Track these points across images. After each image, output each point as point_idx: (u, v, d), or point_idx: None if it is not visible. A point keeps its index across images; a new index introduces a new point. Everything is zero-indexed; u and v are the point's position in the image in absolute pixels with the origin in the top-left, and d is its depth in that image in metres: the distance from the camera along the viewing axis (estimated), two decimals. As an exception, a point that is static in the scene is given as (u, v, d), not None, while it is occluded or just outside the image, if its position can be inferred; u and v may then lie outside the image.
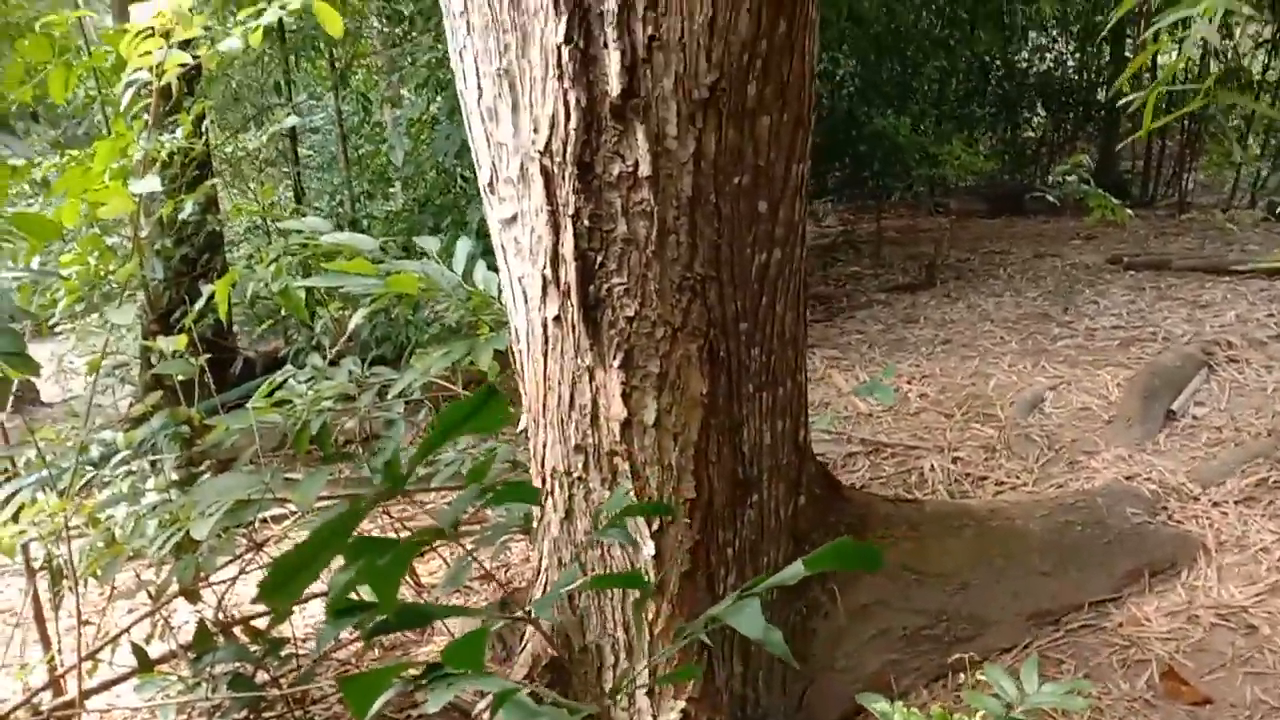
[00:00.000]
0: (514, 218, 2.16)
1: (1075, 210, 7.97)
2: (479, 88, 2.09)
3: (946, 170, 6.37)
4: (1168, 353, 4.50)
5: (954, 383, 4.58)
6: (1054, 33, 10.22)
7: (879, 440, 4.02)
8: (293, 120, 4.82)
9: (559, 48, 1.88)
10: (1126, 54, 9.21)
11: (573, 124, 1.90)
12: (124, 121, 2.49)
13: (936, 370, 4.81)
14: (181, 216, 3.00)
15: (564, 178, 1.93)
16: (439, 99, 4.69)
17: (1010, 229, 8.49)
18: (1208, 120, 8.31)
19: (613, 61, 1.85)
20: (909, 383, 4.69)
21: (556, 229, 1.98)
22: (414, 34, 5.01)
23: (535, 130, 1.98)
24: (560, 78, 1.90)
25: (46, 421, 5.27)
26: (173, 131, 2.99)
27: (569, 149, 1.90)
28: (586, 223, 1.94)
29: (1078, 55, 10.25)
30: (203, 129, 3.36)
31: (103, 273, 2.62)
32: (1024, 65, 10.07)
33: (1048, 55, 10.39)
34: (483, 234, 2.59)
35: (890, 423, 4.24)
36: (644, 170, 1.89)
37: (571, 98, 1.89)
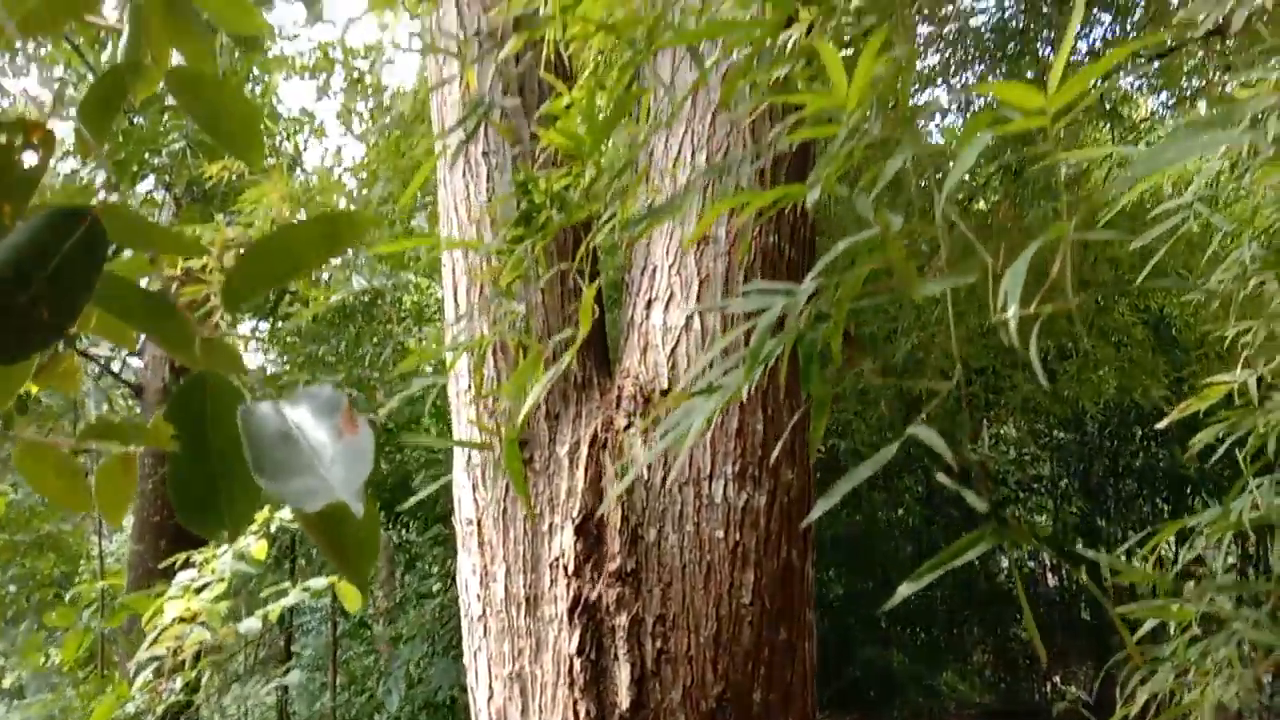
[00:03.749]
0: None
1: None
2: (490, 689, 2.14)
3: (945, 700, 6.25)
4: None
5: None
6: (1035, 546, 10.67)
7: None
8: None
9: (571, 658, 1.97)
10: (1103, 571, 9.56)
11: (581, 734, 1.92)
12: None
13: None
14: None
15: (571, 792, 1.90)
16: (440, 634, 4.79)
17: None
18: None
19: (623, 674, 1.93)
20: None
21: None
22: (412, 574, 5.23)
23: (543, 736, 1.99)
24: (571, 686, 1.96)
25: None
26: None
27: (577, 763, 1.90)
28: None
29: (1058, 569, 10.62)
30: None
31: None
32: (1006, 575, 10.37)
33: (1029, 564, 10.74)
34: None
35: None
36: (653, 788, 1.87)
37: (581, 708, 1.93)
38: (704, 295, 2.18)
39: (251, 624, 2.50)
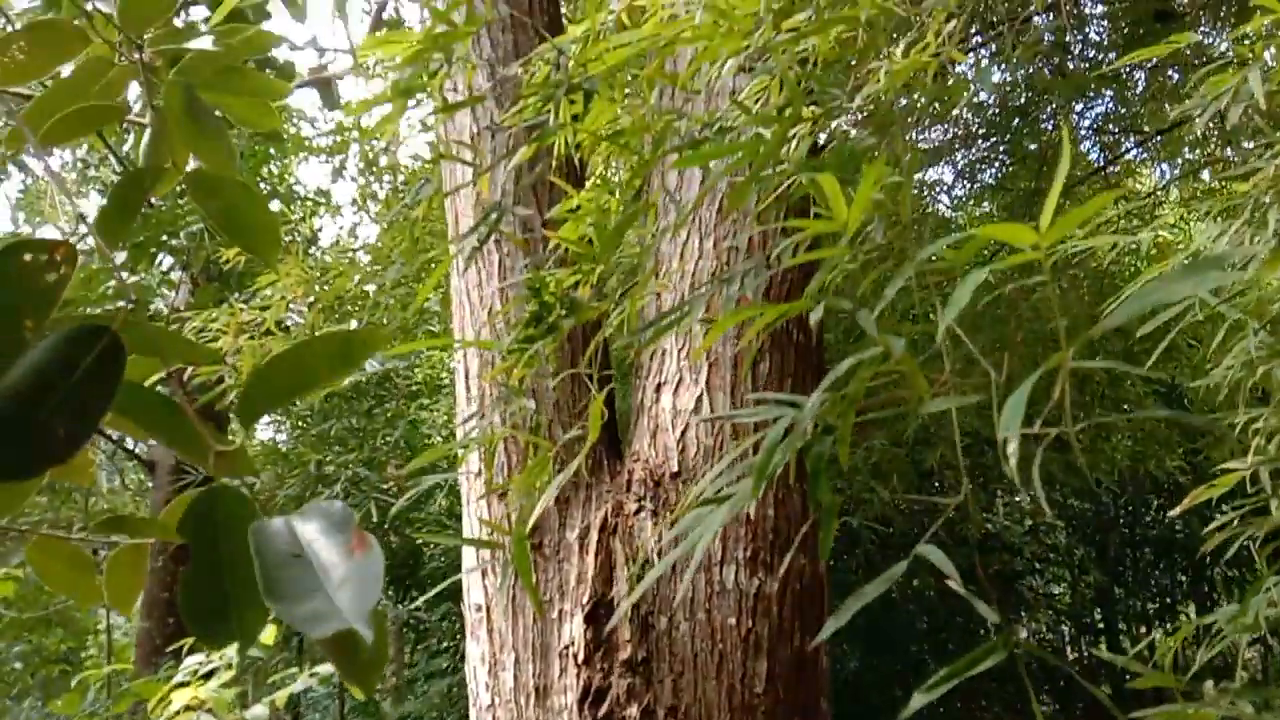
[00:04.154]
0: None
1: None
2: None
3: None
4: None
5: None
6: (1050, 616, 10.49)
7: None
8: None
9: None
10: (1123, 643, 9.37)
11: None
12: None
13: None
14: None
15: None
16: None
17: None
18: None
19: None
20: None
21: None
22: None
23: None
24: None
25: None
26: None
27: None
28: None
29: (1076, 642, 10.40)
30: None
31: None
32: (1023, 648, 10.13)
33: (1049, 635, 10.53)
34: None
35: None
36: None
37: (592, 803, 1.89)
38: (713, 379, 2.19)
39: (258, 712, 2.47)
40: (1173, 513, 1.76)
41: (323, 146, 6.92)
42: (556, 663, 2.05)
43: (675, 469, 2.14)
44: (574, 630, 2.04)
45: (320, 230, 6.29)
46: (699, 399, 2.18)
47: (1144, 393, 6.46)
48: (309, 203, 6.27)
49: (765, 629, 2.04)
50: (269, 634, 2.51)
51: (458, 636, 5.40)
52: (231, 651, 2.41)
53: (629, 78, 1.32)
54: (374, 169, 5.82)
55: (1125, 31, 6.71)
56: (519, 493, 1.48)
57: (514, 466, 2.08)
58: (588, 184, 1.33)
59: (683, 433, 2.17)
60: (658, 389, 2.25)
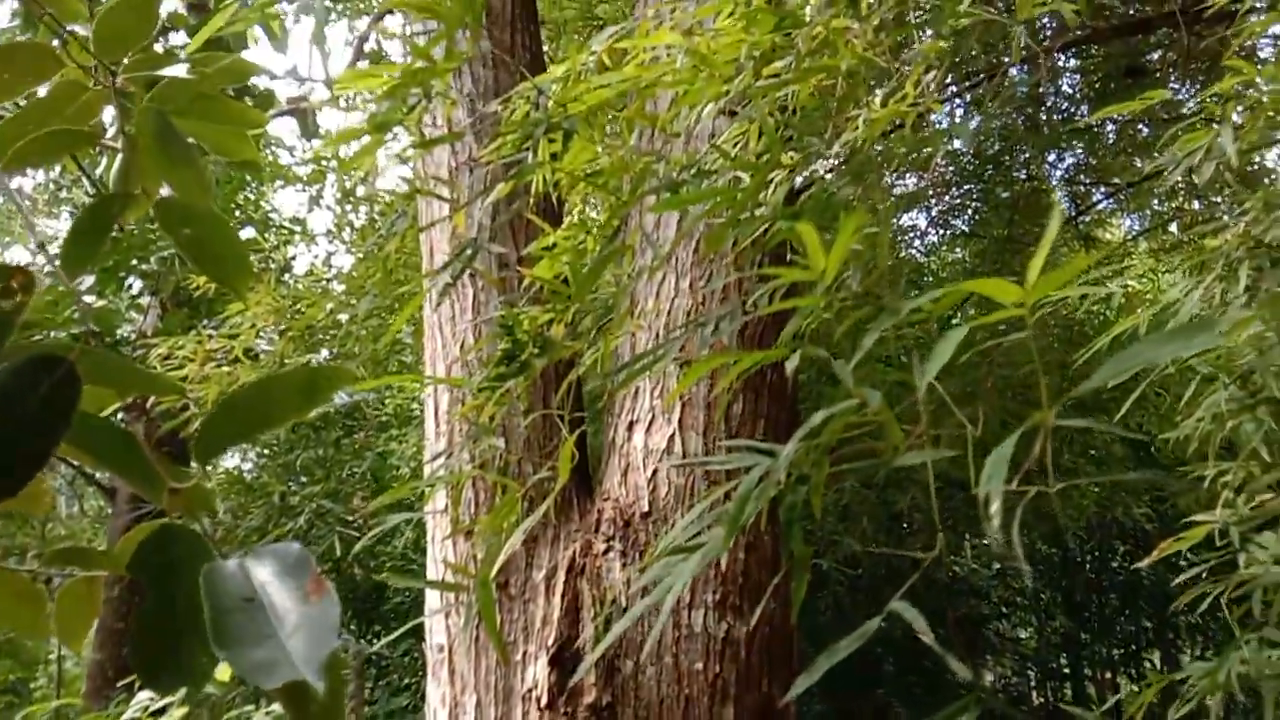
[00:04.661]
0: None
1: None
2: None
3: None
4: None
5: None
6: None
7: None
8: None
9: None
10: (1087, 689, 9.36)
11: None
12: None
13: None
14: None
15: None
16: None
17: None
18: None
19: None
20: None
21: None
22: None
23: None
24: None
25: None
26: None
27: None
28: None
29: (1041, 686, 10.39)
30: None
31: None
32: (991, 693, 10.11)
33: (1014, 679, 10.50)
34: None
35: None
36: None
37: None
38: (686, 419, 2.18)
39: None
40: (1141, 564, 1.75)
41: (299, 175, 6.90)
42: (519, 706, 2.01)
43: (646, 509, 2.12)
44: (538, 673, 2.00)
45: (294, 259, 6.24)
46: (671, 438, 2.17)
47: (1112, 440, 6.52)
48: (284, 230, 6.22)
49: (733, 674, 2.01)
50: (224, 671, 2.43)
51: (420, 674, 5.30)
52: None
53: (609, 118, 1.32)
54: (350, 199, 5.81)
55: (1097, 86, 6.86)
56: (486, 533, 1.45)
57: (481, 506, 2.04)
58: (565, 222, 1.32)
59: (654, 472, 2.15)
60: (630, 427, 2.23)
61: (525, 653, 2.05)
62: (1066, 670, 9.96)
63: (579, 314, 1.28)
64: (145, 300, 5.39)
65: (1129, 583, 8.45)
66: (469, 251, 1.20)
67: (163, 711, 2.41)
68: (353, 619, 6.07)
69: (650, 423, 2.21)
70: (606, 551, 2.10)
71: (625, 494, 2.16)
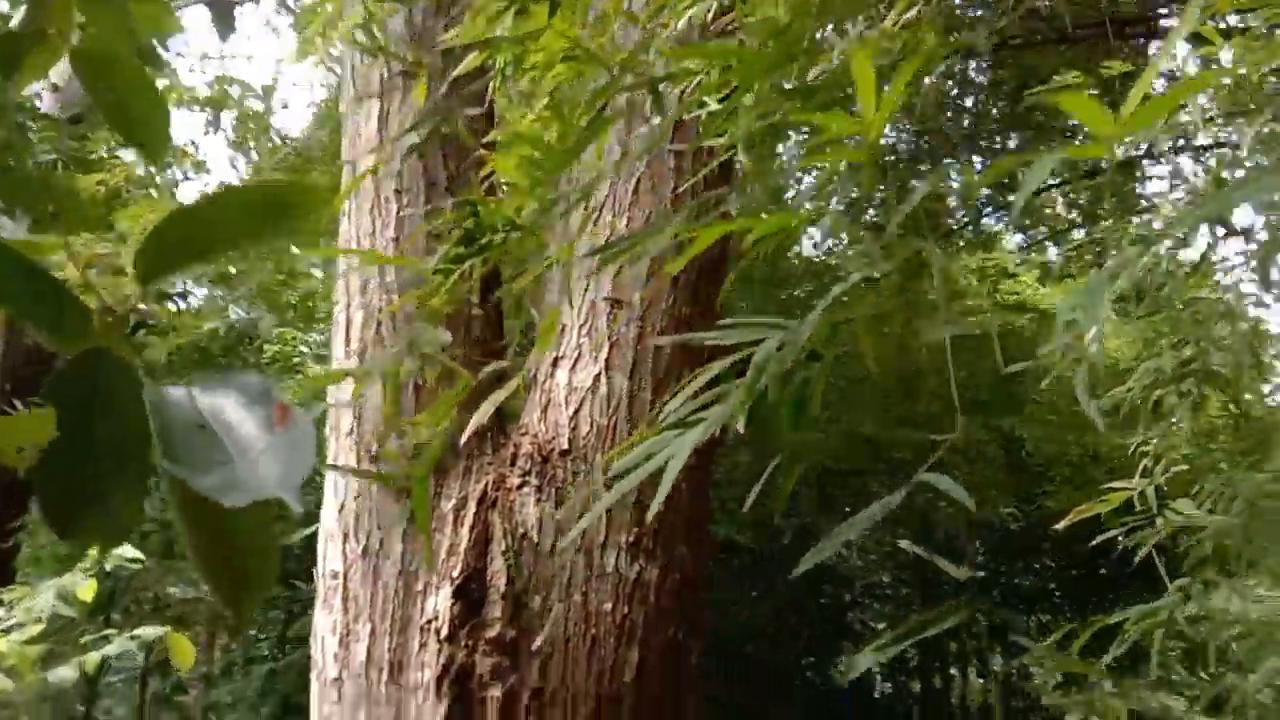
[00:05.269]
0: None
1: None
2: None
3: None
4: None
5: None
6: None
7: None
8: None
9: (436, 731, 1.81)
10: (934, 680, 9.78)
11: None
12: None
13: None
14: None
15: None
16: None
17: None
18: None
19: (493, 753, 1.78)
20: None
21: None
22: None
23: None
24: (433, 763, 1.79)
25: None
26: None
27: None
28: None
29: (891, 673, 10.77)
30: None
31: None
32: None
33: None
34: None
35: None
36: None
37: (443, 788, 1.77)
38: (613, 358, 2.13)
39: (64, 673, 2.20)
40: (1058, 526, 1.82)
41: (198, 97, 6.49)
42: (417, 637, 1.92)
43: (565, 446, 2.06)
44: (439, 604, 1.92)
45: (187, 179, 5.87)
46: (597, 377, 2.11)
47: (986, 439, 6.81)
48: (181, 153, 5.84)
49: (641, 617, 1.97)
50: (87, 589, 2.25)
51: (283, 620, 5.08)
52: (42, 605, 2.15)
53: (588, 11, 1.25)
54: (251, 123, 5.50)
55: (1003, 104, 7.11)
56: (430, 424, 1.37)
57: (422, 404, 1.94)
58: (536, 112, 1.24)
59: (576, 410, 2.09)
60: (554, 363, 2.16)
61: (427, 583, 1.96)
62: (914, 663, 10.27)
63: (542, 212, 1.21)
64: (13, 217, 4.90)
65: (985, 582, 8.87)
66: (436, 116, 1.11)
67: (12, 630, 2.21)
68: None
69: (576, 360, 2.15)
70: (521, 487, 2.03)
71: (545, 430, 2.10)
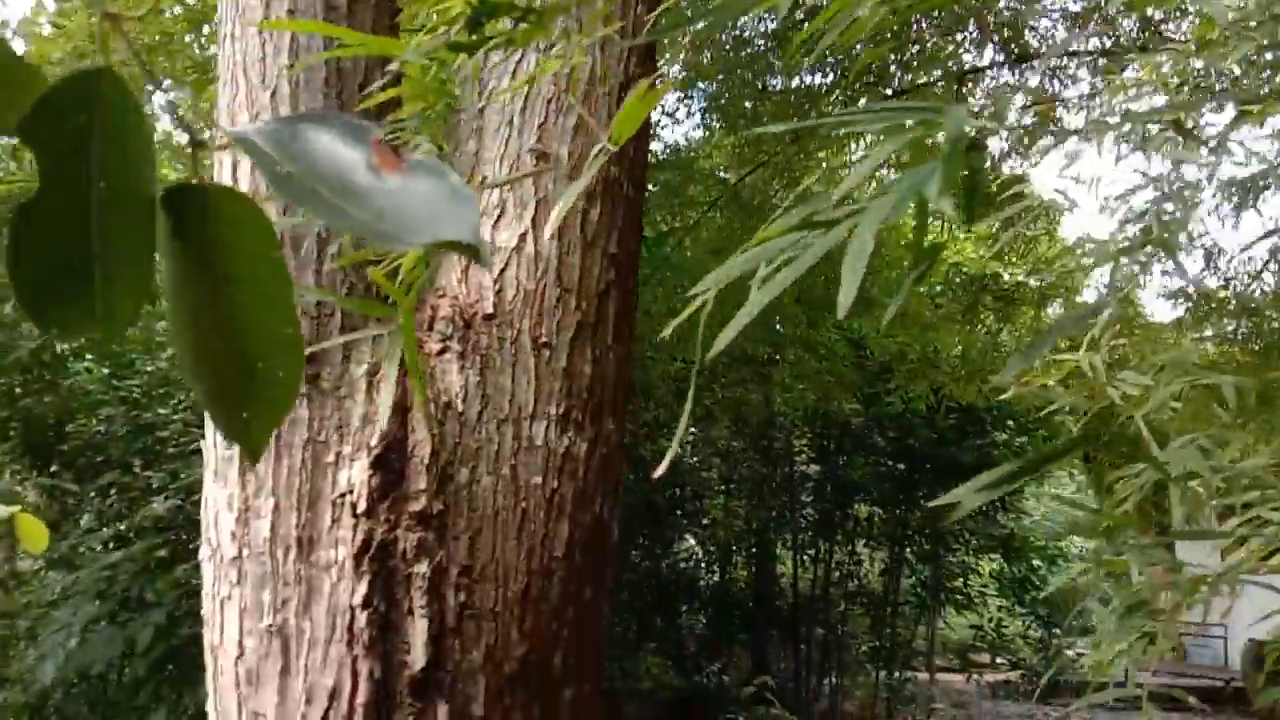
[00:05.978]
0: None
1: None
2: (240, 645, 1.75)
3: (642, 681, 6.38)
4: None
5: None
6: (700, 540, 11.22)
7: None
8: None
9: (353, 610, 1.66)
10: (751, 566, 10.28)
11: (360, 698, 1.63)
12: None
13: None
14: None
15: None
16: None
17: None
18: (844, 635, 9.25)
19: (418, 631, 1.66)
20: None
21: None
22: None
23: (309, 701, 1.66)
24: (350, 643, 1.65)
25: None
26: None
27: (355, 730, 1.60)
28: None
29: (719, 565, 11.26)
30: None
31: None
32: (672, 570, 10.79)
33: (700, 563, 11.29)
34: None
35: None
36: (447, 760, 1.62)
37: (363, 668, 1.64)
38: (540, 216, 1.97)
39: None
40: (1004, 395, 1.83)
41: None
42: (329, 512, 1.75)
43: (490, 310, 1.90)
44: (354, 476, 1.75)
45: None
46: (523, 236, 1.95)
47: (835, 338, 7.04)
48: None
49: (570, 491, 1.88)
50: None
51: (123, 513, 4.67)
52: None
53: None
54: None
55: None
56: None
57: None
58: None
59: (501, 271, 1.93)
60: (474, 220, 1.98)
61: (339, 454, 1.77)
62: (748, 549, 10.64)
63: None
64: None
65: (822, 474, 9.28)
66: None
67: None
68: (25, 454, 5.21)
69: (499, 217, 1.97)
70: (442, 353, 1.86)
71: (466, 293, 1.92)
